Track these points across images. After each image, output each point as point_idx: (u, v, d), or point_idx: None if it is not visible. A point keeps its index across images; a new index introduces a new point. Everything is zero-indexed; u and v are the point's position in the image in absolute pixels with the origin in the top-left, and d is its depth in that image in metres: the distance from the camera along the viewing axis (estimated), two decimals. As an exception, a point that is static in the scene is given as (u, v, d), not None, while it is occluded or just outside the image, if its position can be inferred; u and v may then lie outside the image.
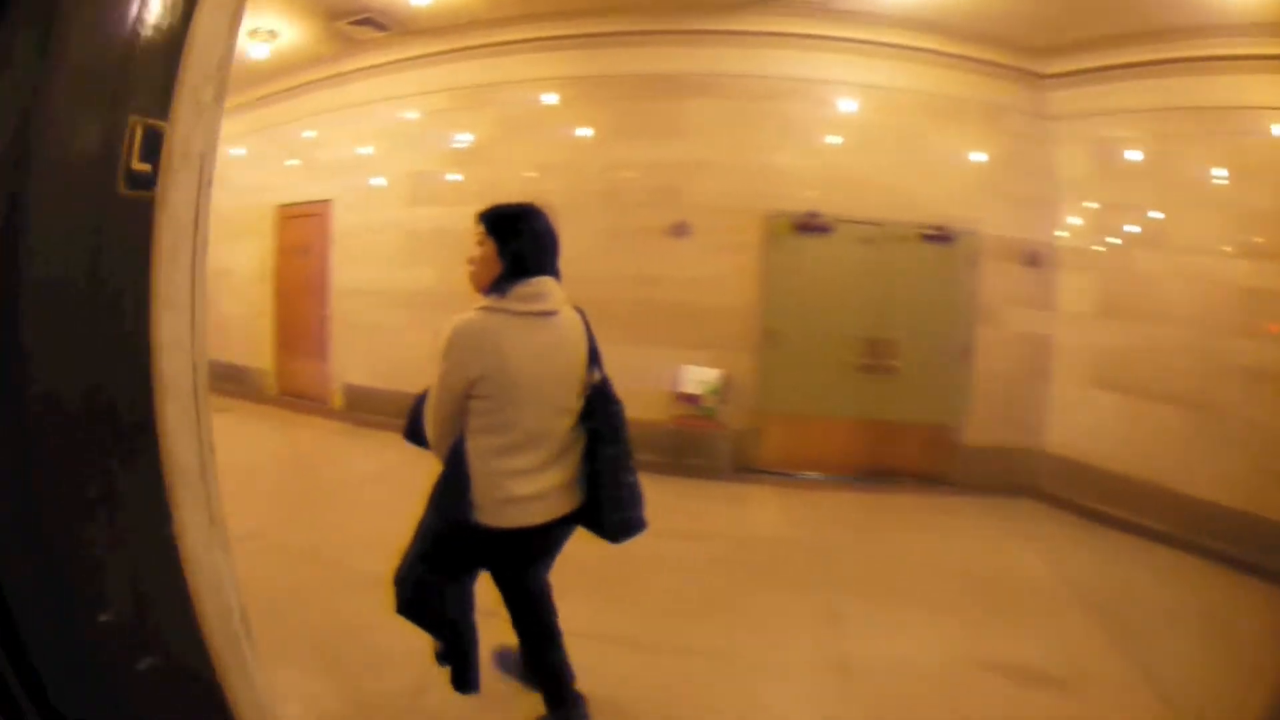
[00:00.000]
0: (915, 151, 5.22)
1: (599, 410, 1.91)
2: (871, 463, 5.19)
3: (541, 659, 2.09)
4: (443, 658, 2.04)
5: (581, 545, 2.03)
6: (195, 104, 0.99)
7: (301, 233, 6.99)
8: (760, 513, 4.54)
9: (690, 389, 5.15)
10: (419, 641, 2.07)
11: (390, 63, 6.15)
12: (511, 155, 5.71)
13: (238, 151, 7.55)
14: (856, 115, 5.26)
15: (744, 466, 5.12)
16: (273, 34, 5.93)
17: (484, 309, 1.78)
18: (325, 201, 6.68)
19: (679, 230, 5.25)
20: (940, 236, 5.12)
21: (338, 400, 6.62)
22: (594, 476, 1.91)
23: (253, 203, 7.26)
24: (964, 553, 3.93)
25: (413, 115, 6.28)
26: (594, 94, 5.53)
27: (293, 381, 7.15)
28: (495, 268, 1.82)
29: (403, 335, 5.89)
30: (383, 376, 6.07)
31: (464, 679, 2.02)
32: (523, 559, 1.96)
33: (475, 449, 1.79)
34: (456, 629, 1.99)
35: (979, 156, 5.25)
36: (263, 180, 7.26)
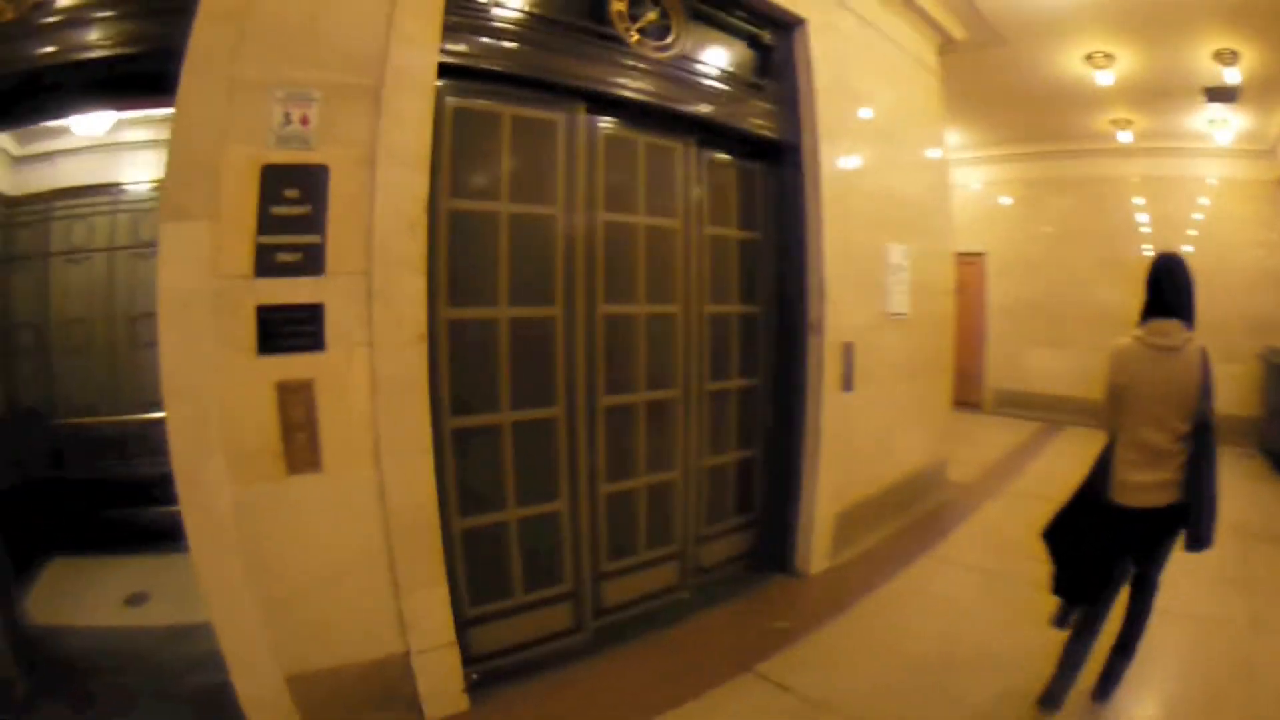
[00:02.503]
0: None
1: (1199, 436, 2.41)
2: None
3: (1081, 598, 2.64)
4: (1057, 590, 2.66)
5: None
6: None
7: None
8: None
9: None
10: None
11: None
12: None
13: None
14: None
15: None
16: (1108, 57, 5.30)
17: (1131, 337, 2.50)
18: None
19: None
20: None
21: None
22: (1193, 486, 2.40)
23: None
24: None
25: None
26: None
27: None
28: (1142, 305, 2.50)
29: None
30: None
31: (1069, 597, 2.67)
32: (1119, 531, 2.52)
33: (1117, 439, 2.53)
34: (1070, 563, 2.62)
35: None
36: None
